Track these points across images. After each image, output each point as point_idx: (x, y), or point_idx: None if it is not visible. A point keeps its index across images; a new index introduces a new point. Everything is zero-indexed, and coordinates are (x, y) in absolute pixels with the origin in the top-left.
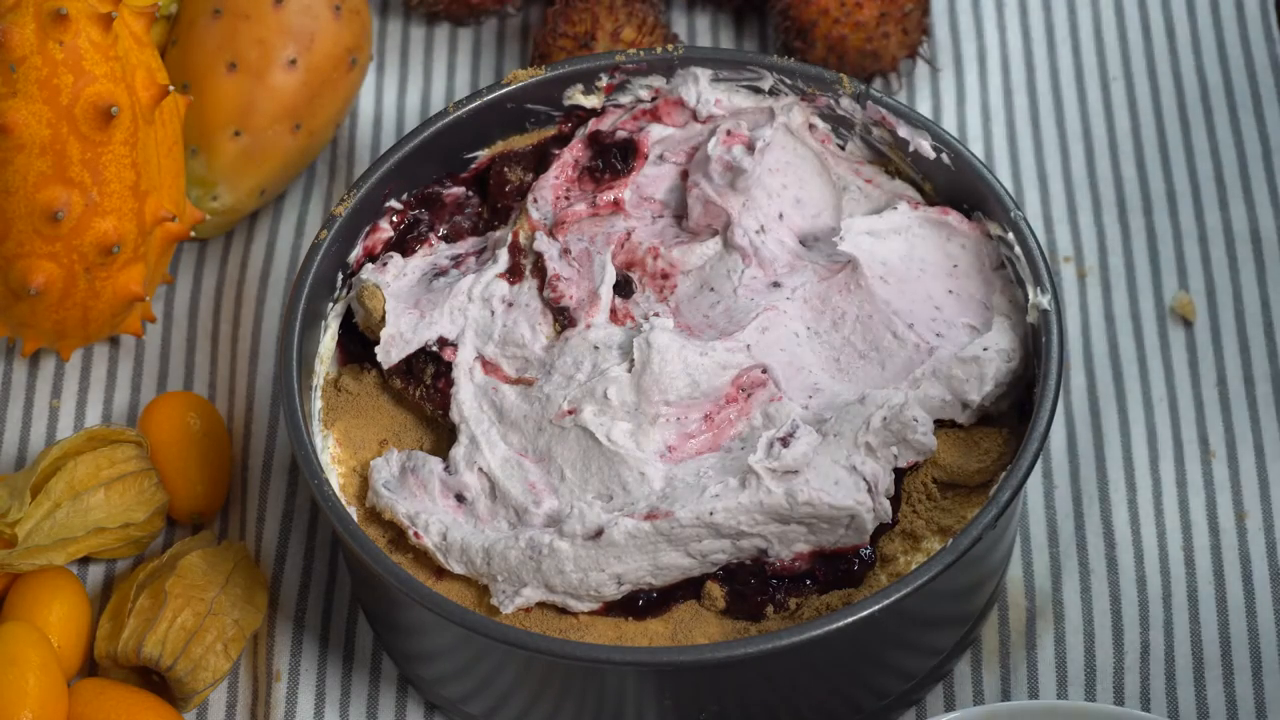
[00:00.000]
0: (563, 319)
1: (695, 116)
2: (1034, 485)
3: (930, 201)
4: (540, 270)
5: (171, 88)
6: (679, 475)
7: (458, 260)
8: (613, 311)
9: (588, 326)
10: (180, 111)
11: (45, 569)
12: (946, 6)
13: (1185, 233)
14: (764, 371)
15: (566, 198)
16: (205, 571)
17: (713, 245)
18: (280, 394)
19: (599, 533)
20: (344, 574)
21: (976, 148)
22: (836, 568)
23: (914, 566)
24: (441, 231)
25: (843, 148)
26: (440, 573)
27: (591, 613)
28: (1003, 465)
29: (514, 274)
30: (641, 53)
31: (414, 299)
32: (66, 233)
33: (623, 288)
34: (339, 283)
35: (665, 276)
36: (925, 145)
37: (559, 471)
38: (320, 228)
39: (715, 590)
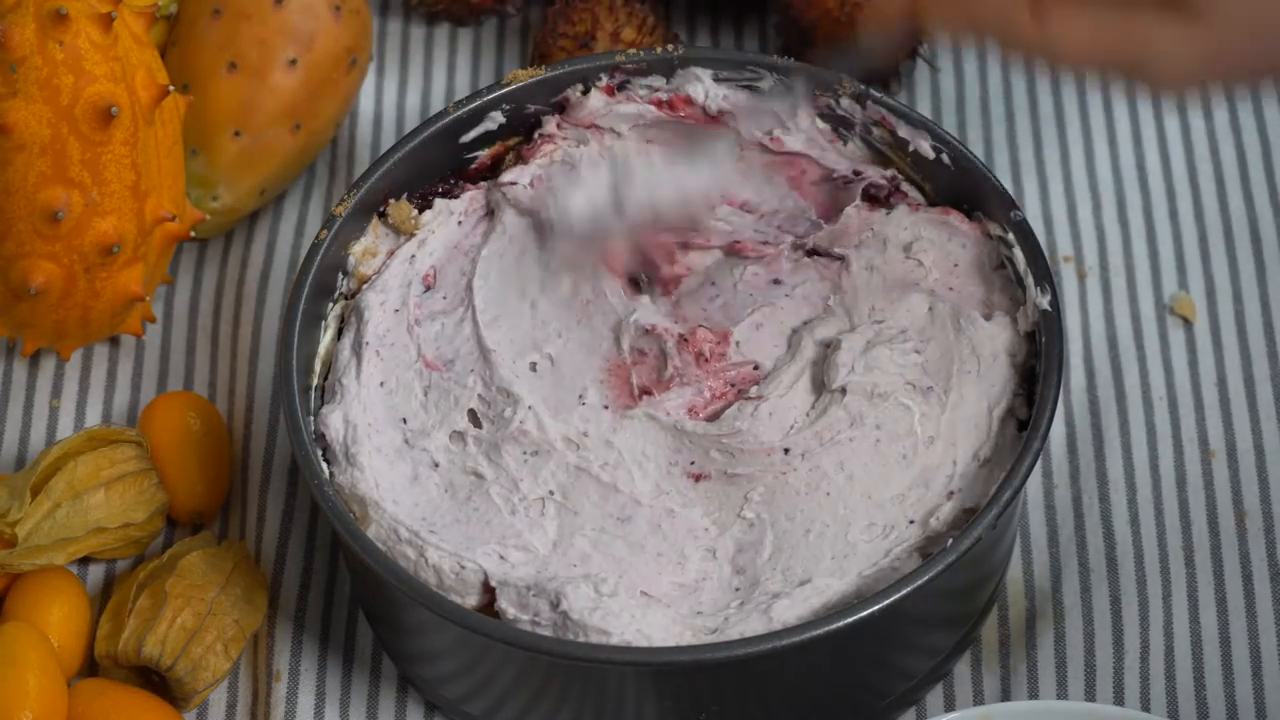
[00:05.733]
0: None
1: (705, 113)
2: (1034, 485)
3: (930, 202)
4: None
5: (171, 88)
6: None
7: None
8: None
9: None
10: (180, 111)
11: (45, 569)
12: None
13: (1185, 233)
14: (755, 368)
15: None
16: (205, 571)
17: (718, 251)
18: (280, 394)
19: None
20: (344, 574)
21: (976, 148)
22: None
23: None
24: None
25: (843, 148)
26: None
27: None
28: None
29: None
30: (641, 53)
31: None
32: (66, 233)
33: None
34: (339, 282)
35: (677, 279)
36: (925, 145)
37: None
38: (320, 228)
39: None
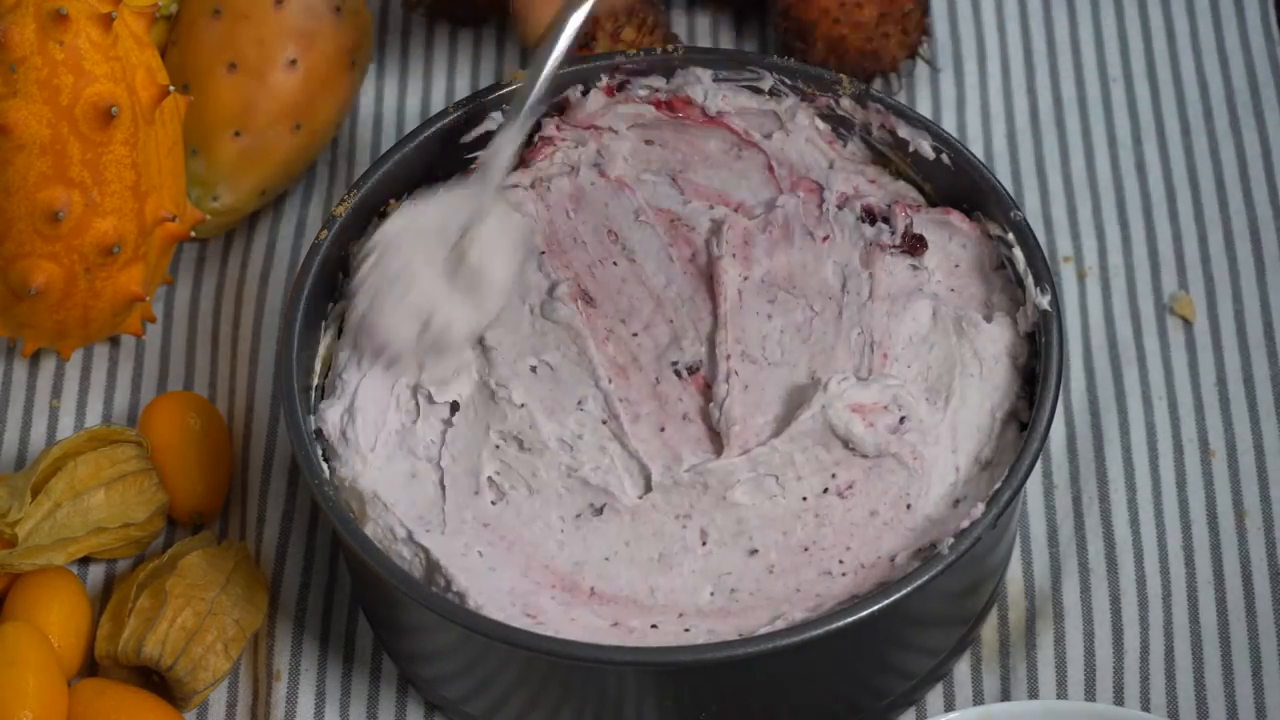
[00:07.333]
0: None
1: (705, 113)
2: (1034, 485)
3: (930, 202)
4: None
5: (171, 88)
6: None
7: None
8: None
9: None
10: (180, 111)
11: (45, 569)
12: (946, 6)
13: (1185, 233)
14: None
15: None
16: (205, 571)
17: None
18: (280, 394)
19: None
20: (344, 574)
21: (976, 148)
22: None
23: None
24: None
25: (843, 148)
26: None
27: None
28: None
29: None
30: (641, 53)
31: None
32: (66, 233)
33: None
34: (339, 283)
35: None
36: (925, 145)
37: None
38: (320, 228)
39: None
